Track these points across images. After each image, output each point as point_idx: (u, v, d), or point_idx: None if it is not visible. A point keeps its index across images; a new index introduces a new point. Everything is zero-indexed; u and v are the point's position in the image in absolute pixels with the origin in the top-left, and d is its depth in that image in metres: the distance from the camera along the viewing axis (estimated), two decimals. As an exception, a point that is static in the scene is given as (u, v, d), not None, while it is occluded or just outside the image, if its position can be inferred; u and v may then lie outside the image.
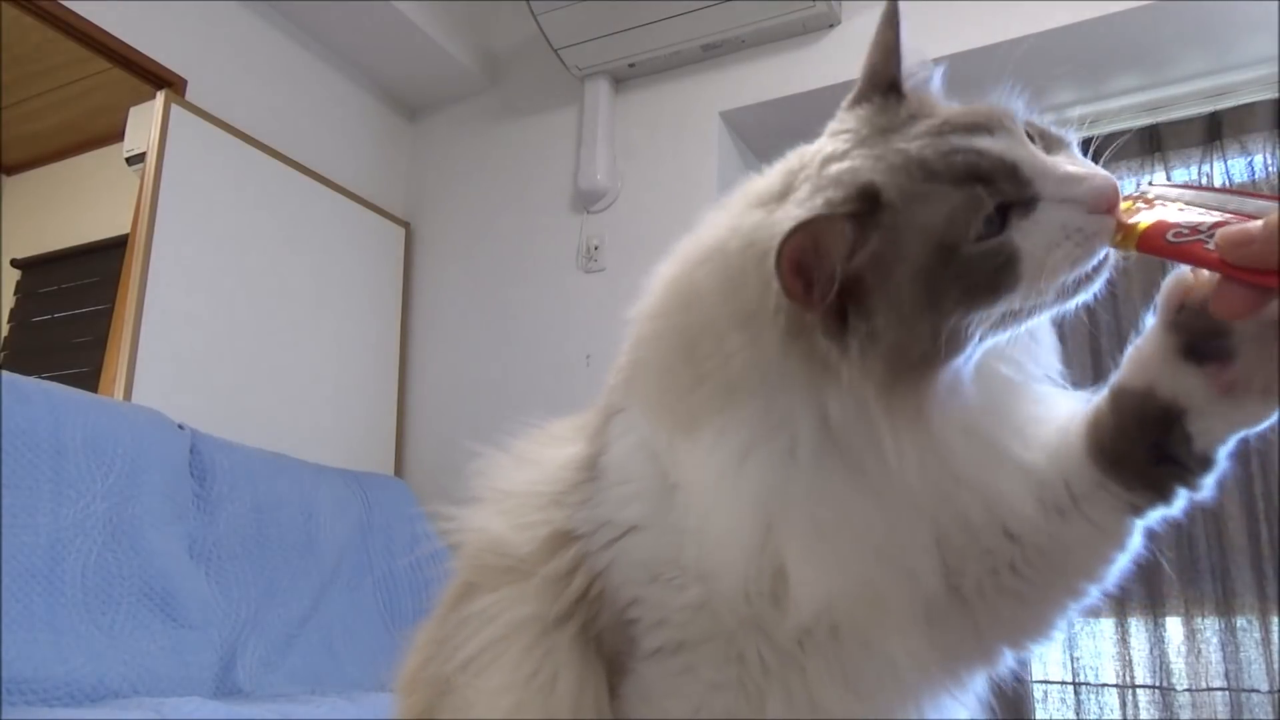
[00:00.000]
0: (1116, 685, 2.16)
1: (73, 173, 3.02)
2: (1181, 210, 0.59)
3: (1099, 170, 0.60)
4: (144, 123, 2.34)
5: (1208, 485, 0.63)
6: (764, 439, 0.62)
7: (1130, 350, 0.63)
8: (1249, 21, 2.17)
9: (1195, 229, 0.56)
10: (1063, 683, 2.21)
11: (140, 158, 2.32)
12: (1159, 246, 0.57)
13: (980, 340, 0.60)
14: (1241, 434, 0.61)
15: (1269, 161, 2.24)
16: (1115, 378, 0.64)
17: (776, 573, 0.63)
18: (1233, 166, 2.28)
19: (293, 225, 2.65)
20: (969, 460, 0.63)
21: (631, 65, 2.71)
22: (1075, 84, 2.42)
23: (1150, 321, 0.62)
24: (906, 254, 0.59)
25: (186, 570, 1.79)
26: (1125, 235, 0.59)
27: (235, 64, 2.58)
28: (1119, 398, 0.63)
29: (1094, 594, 0.67)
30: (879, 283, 0.59)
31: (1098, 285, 0.62)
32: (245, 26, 2.63)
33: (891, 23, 0.70)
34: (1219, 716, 2.03)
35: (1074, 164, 0.61)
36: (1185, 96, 2.38)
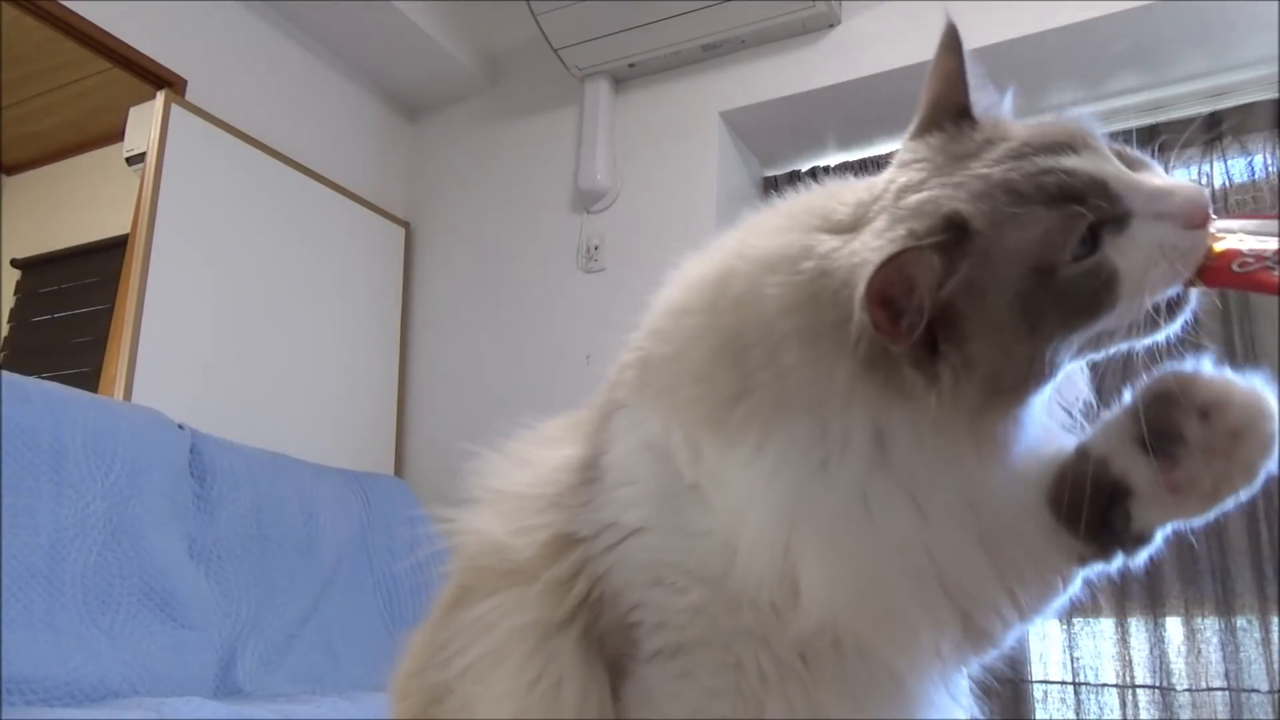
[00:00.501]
0: (1116, 685, 2.16)
1: (73, 173, 3.02)
2: (1242, 240, 0.58)
3: (1188, 183, 0.60)
4: (144, 123, 2.33)
5: (1143, 555, 0.65)
6: (803, 454, 0.62)
7: (1104, 417, 0.65)
8: (1249, 21, 2.17)
9: (1260, 256, 0.56)
10: (1063, 683, 2.21)
11: (140, 158, 2.32)
12: (1226, 278, 0.57)
13: (1069, 363, 0.61)
14: (1178, 524, 0.64)
15: (1269, 161, 2.24)
16: (1084, 438, 0.66)
17: (789, 582, 0.62)
18: (1233, 166, 2.28)
19: (293, 225, 2.65)
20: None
21: (631, 65, 2.71)
22: (1075, 84, 2.42)
23: (1126, 398, 0.64)
24: (1001, 279, 0.58)
25: (186, 570, 1.79)
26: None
27: (235, 64, 2.58)
28: (1080, 459, 0.64)
29: (1034, 623, 0.70)
30: (973, 310, 0.59)
31: (1183, 319, 0.62)
32: (245, 26, 2.62)
33: (953, 49, 0.70)
34: (1219, 716, 2.03)
35: (1160, 179, 0.61)
36: (1185, 96, 2.38)
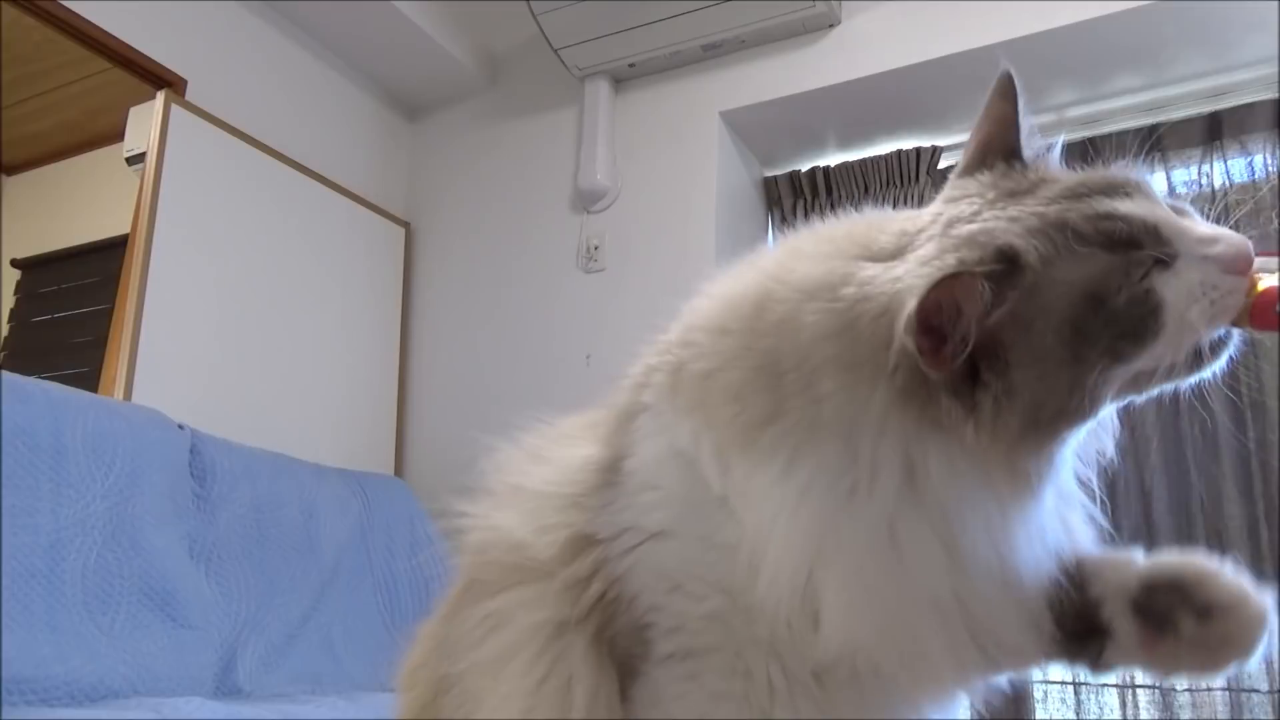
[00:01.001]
0: (1116, 685, 2.16)
1: (73, 173, 3.02)
2: None
3: (1232, 232, 0.62)
4: (144, 123, 2.33)
5: (1101, 679, 0.70)
6: (833, 479, 0.62)
7: (1114, 556, 0.67)
8: (1249, 21, 2.17)
9: None
10: (1063, 683, 2.21)
11: (140, 158, 2.32)
12: (1270, 319, 0.60)
13: (1111, 401, 0.61)
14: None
15: (1269, 161, 2.24)
16: (1091, 561, 0.67)
17: (810, 608, 0.62)
18: (1233, 167, 2.28)
19: (293, 225, 2.65)
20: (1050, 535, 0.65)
21: (631, 65, 2.71)
22: (1075, 84, 2.42)
23: (1140, 557, 0.66)
24: (1050, 309, 0.60)
25: (186, 570, 1.79)
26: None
27: (235, 64, 2.58)
28: (1079, 585, 0.67)
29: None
30: (1018, 339, 0.60)
31: (1221, 361, 0.63)
32: (245, 26, 2.62)
33: (1008, 94, 0.72)
34: (1219, 716, 2.03)
35: (1206, 227, 0.63)
36: (1185, 96, 2.38)
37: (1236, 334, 0.63)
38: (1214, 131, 2.31)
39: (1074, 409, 0.60)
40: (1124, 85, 2.41)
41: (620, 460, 0.69)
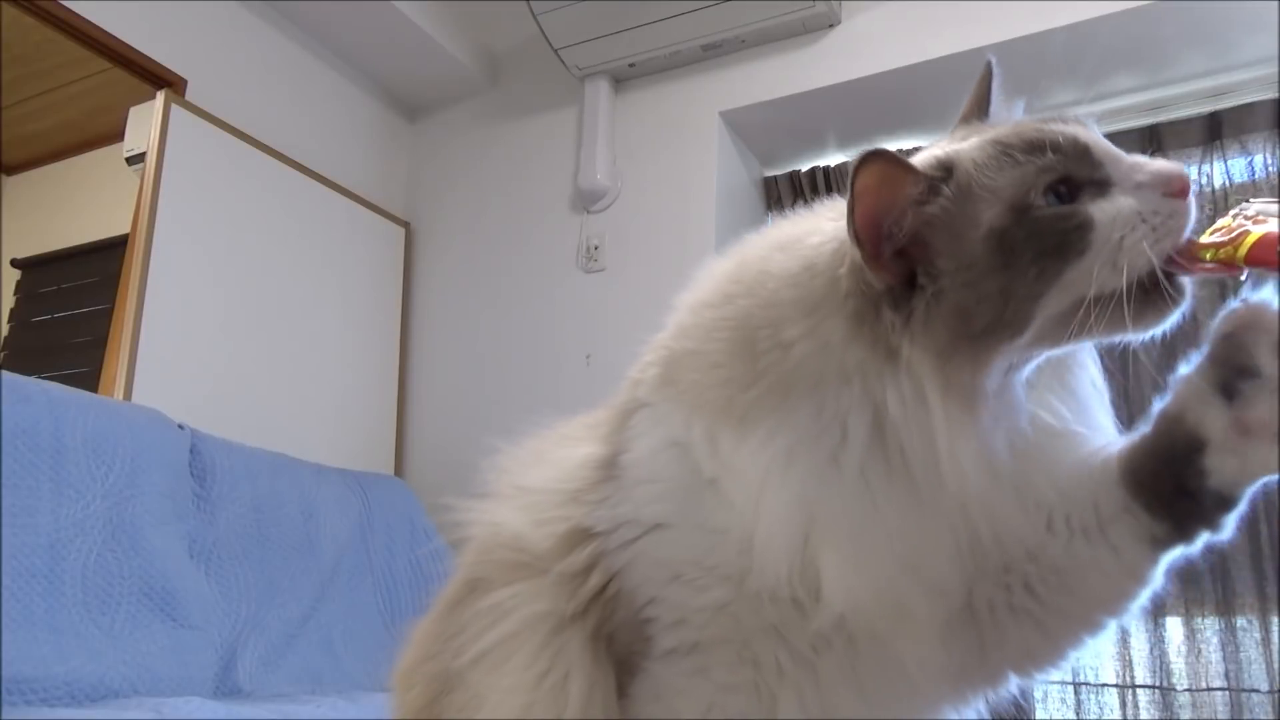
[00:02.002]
0: (1116, 685, 2.16)
1: (73, 173, 3.02)
2: None
3: (1168, 161, 0.63)
4: (144, 123, 2.33)
5: (1227, 525, 0.64)
6: (812, 441, 0.62)
7: (1178, 375, 0.63)
8: (1249, 21, 2.17)
9: None
10: (1063, 683, 2.21)
11: (140, 158, 2.32)
12: (1269, 258, 0.57)
13: (1047, 336, 0.60)
14: (1259, 480, 0.61)
15: (1269, 161, 2.24)
16: (1160, 403, 0.64)
17: (808, 575, 0.62)
18: (1233, 166, 2.28)
19: (293, 225, 2.65)
20: (1008, 469, 0.63)
21: (631, 65, 2.71)
22: (1075, 84, 2.42)
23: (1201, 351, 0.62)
24: (979, 216, 0.61)
25: (186, 570, 1.79)
26: (1233, 249, 0.59)
27: (235, 64, 2.58)
28: (1157, 421, 0.63)
29: (1109, 626, 0.68)
30: (949, 243, 0.62)
31: (1175, 315, 0.62)
32: (245, 26, 2.62)
33: (985, 78, 0.76)
34: (1219, 716, 2.03)
35: (1139, 158, 0.64)
36: (1185, 96, 2.38)
37: (1191, 284, 0.61)
38: (1214, 131, 2.31)
39: (1005, 322, 0.60)
40: (1124, 85, 2.41)
41: (618, 456, 0.70)
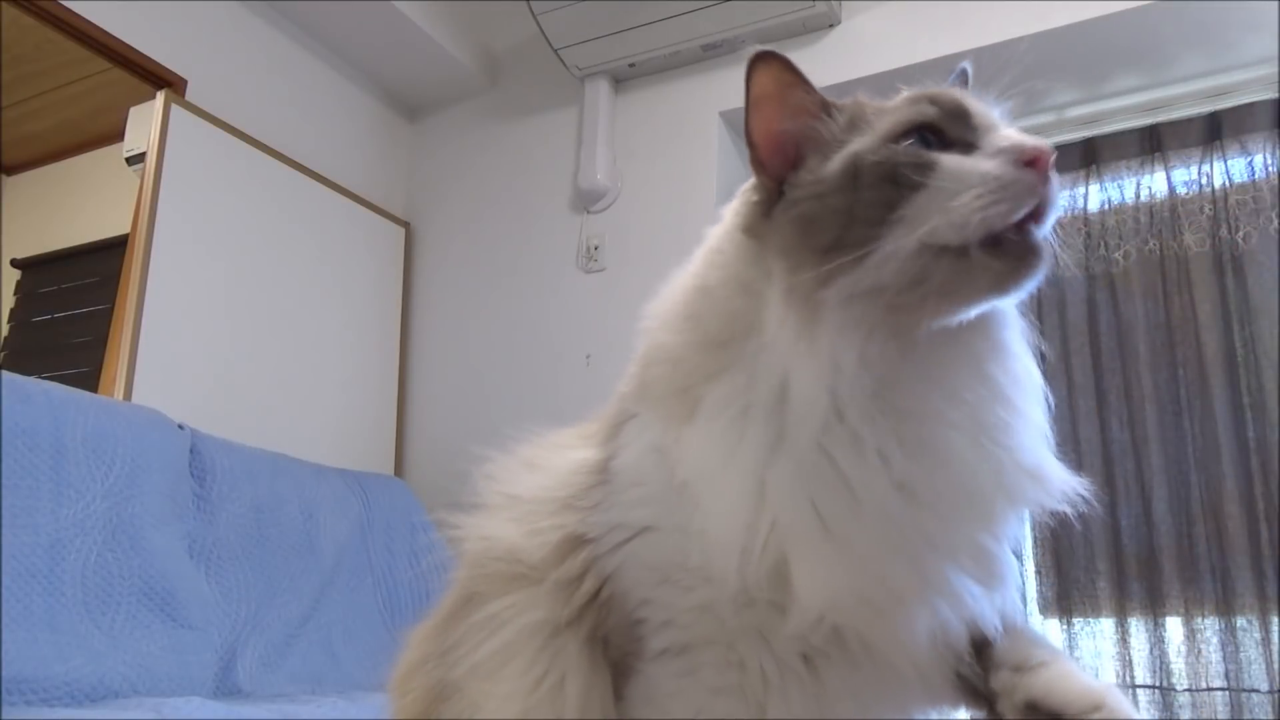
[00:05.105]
0: (1116, 685, 2.16)
1: (73, 173, 3.02)
2: None
3: (1038, 138, 0.64)
4: (144, 123, 2.33)
5: None
6: (748, 408, 0.64)
7: (1017, 649, 0.67)
8: (1249, 21, 2.17)
9: None
10: (1063, 683, 2.21)
11: (140, 158, 2.32)
12: None
13: (903, 281, 0.61)
14: None
15: (1269, 161, 2.24)
16: (999, 649, 0.67)
17: (777, 572, 0.62)
18: (1233, 167, 2.28)
19: (293, 225, 2.65)
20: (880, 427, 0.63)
21: (631, 65, 2.71)
22: (1075, 84, 2.42)
23: (1046, 655, 0.67)
24: (843, 139, 0.67)
25: (186, 570, 1.79)
26: None
27: (235, 64, 2.58)
28: (984, 662, 0.68)
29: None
30: (818, 161, 0.67)
31: (1032, 281, 0.63)
32: (245, 26, 2.62)
33: (961, 79, 0.80)
34: (1219, 716, 2.03)
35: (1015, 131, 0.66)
36: (1185, 96, 2.38)
37: (1043, 251, 0.62)
38: (1214, 131, 2.31)
39: (845, 243, 0.62)
40: (1124, 85, 2.41)
41: (609, 461, 0.71)
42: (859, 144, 0.66)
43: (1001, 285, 0.62)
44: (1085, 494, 0.68)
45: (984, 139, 0.64)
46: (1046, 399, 0.70)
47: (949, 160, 0.63)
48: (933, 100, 0.67)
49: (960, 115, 0.66)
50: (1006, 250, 0.61)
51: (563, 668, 0.67)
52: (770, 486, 0.62)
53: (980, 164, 0.62)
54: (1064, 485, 0.67)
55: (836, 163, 0.65)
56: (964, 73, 0.79)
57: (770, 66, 0.69)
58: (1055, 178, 0.62)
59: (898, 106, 0.69)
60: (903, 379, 0.63)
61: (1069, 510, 0.68)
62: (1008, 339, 0.68)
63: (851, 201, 0.63)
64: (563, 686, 0.67)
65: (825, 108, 0.70)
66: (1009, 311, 0.70)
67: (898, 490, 0.61)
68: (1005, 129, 0.66)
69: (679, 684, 0.66)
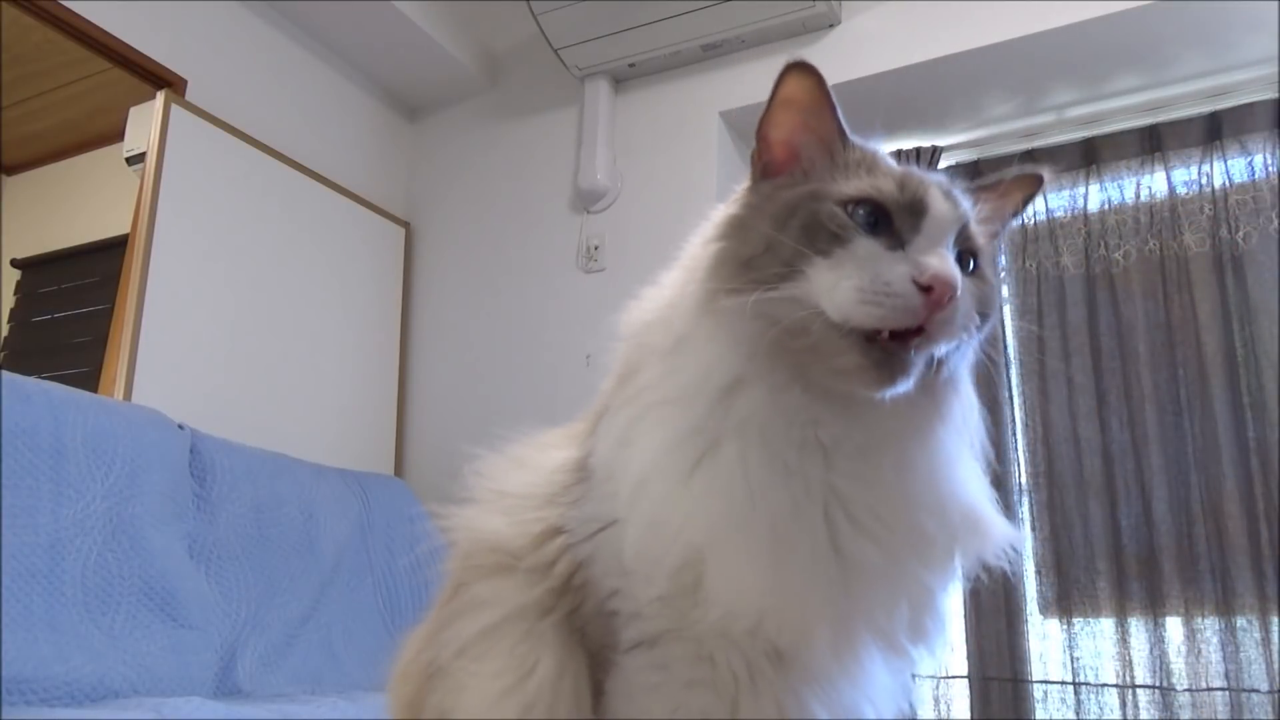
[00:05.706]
0: (1116, 685, 2.16)
1: (73, 173, 3.02)
2: None
3: (956, 272, 0.63)
4: (144, 123, 2.33)
5: None
6: (671, 410, 0.68)
7: None
8: (1249, 21, 2.17)
9: None
10: (1063, 683, 2.21)
11: (140, 158, 2.32)
12: None
13: (794, 330, 0.63)
14: None
15: (1269, 161, 2.24)
16: None
17: (689, 570, 0.65)
18: (1232, 167, 2.28)
19: (293, 225, 2.65)
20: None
21: (631, 65, 2.71)
22: (1075, 84, 2.42)
23: None
24: (831, 178, 0.69)
25: (186, 570, 1.79)
26: None
27: (235, 64, 2.58)
28: None
29: None
30: (800, 174, 0.71)
31: (883, 390, 0.63)
32: (245, 26, 2.62)
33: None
34: (1219, 716, 2.03)
35: (946, 260, 0.64)
36: (1185, 96, 2.38)
37: (919, 362, 0.63)
38: (1214, 131, 2.31)
39: (757, 267, 0.65)
40: (1124, 85, 2.41)
41: (587, 458, 0.74)
42: (821, 186, 0.68)
43: (858, 378, 0.63)
44: (1018, 548, 0.70)
45: (919, 240, 0.65)
46: (986, 450, 0.73)
47: (860, 247, 0.64)
48: (900, 187, 0.67)
49: (916, 212, 0.66)
50: (872, 352, 0.62)
51: (539, 649, 0.70)
52: (691, 486, 0.65)
53: (891, 265, 0.63)
54: (1003, 537, 0.70)
55: (788, 194, 0.68)
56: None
57: (808, 78, 0.71)
58: (953, 313, 0.62)
59: (878, 171, 0.70)
60: (832, 423, 0.66)
61: (1004, 564, 0.70)
62: (947, 400, 0.70)
63: (774, 234, 0.66)
64: (534, 669, 0.70)
65: (843, 138, 0.72)
66: (961, 373, 0.71)
67: (825, 516, 0.64)
68: (941, 247, 0.65)
69: (654, 677, 0.67)
